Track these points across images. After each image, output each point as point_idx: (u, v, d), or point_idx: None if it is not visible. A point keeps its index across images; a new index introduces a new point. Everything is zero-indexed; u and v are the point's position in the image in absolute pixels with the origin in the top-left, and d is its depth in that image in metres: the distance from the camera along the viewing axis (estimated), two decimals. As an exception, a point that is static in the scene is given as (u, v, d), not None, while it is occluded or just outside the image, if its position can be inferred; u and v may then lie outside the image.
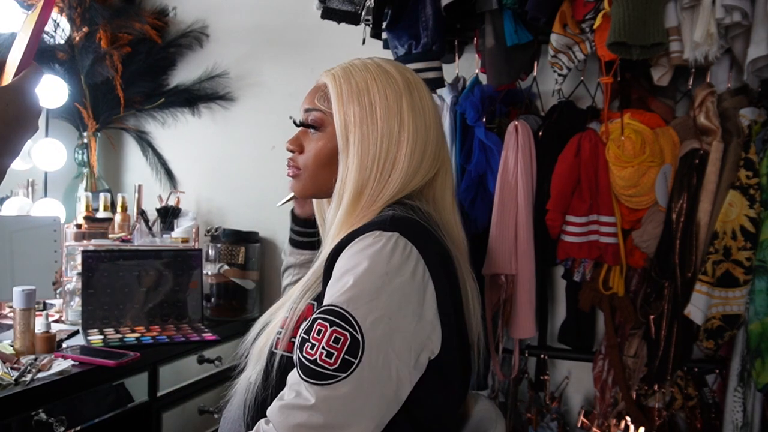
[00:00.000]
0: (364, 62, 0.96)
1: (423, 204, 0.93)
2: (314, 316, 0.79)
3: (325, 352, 0.75)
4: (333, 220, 0.92)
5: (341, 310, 0.77)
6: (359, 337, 0.75)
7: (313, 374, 0.75)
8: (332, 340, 0.75)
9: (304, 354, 0.77)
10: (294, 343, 0.83)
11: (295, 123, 1.03)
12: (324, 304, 0.79)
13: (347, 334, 0.75)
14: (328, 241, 0.91)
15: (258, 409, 0.86)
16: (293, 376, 0.79)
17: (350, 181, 0.90)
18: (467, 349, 0.92)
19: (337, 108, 0.92)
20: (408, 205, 0.91)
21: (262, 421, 0.79)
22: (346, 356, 0.75)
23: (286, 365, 0.83)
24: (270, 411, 0.78)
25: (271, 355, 0.87)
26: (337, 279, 0.81)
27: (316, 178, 0.96)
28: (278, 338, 0.87)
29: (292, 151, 1.00)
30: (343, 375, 0.74)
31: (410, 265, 0.81)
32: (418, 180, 0.92)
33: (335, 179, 0.92)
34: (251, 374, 0.89)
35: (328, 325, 0.76)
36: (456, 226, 0.97)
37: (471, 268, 0.96)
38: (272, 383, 0.85)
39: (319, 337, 0.76)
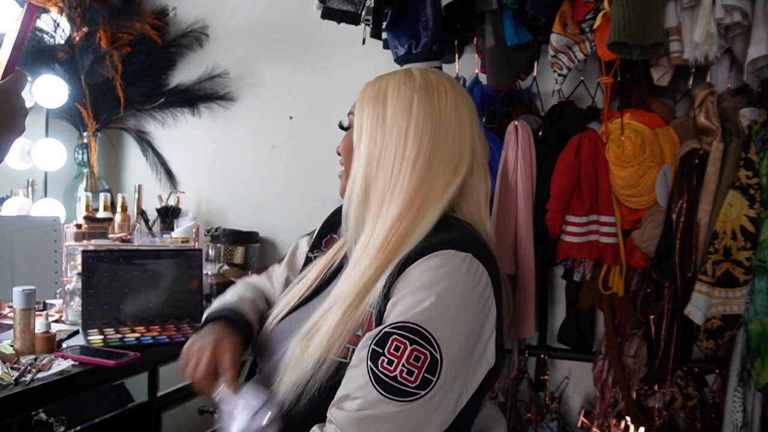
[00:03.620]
0: (400, 69, 1.00)
1: (464, 216, 0.95)
2: (387, 330, 0.80)
3: (405, 370, 0.77)
4: (347, 214, 0.95)
5: (422, 329, 0.79)
6: (438, 356, 0.78)
7: (393, 390, 0.77)
8: (413, 358, 0.77)
9: (380, 369, 0.78)
10: (349, 349, 0.84)
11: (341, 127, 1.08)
12: (399, 319, 0.80)
13: (427, 353, 0.78)
14: (351, 237, 0.94)
15: (308, 412, 0.85)
16: (362, 387, 0.78)
17: (358, 173, 0.93)
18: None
19: (357, 109, 0.96)
20: (463, 221, 0.93)
21: (317, 426, 0.81)
22: (425, 374, 0.77)
23: (341, 370, 0.84)
24: (341, 421, 0.78)
25: (329, 361, 0.85)
26: (410, 294, 0.82)
27: (348, 173, 0.99)
28: (332, 346, 0.86)
29: (338, 153, 1.04)
30: (423, 392, 0.77)
31: (481, 287, 0.84)
32: (455, 180, 0.93)
33: None
34: (290, 379, 0.87)
35: (407, 342, 0.78)
36: (492, 234, 1.00)
37: (505, 275, 0.97)
38: (322, 388, 0.84)
39: (398, 354, 0.78)
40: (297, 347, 0.88)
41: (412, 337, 0.78)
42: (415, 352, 0.78)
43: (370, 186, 0.93)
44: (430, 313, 0.80)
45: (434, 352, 0.78)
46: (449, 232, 0.89)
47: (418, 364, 0.77)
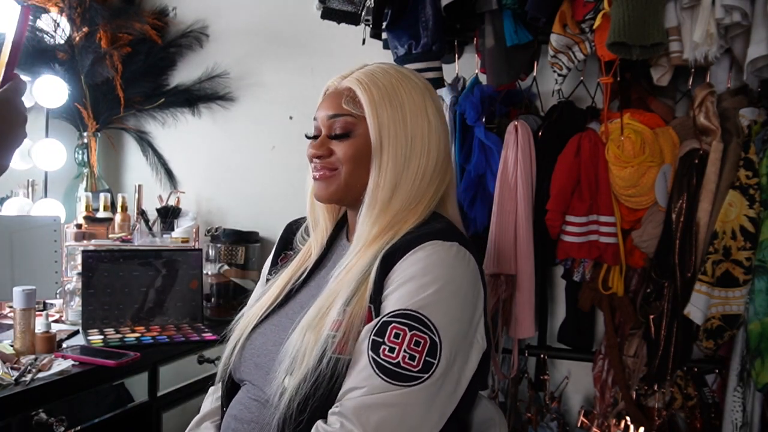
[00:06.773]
0: (382, 67, 0.98)
1: (445, 211, 0.99)
2: (385, 319, 0.82)
3: (407, 355, 0.79)
4: (365, 219, 0.94)
5: (419, 315, 0.81)
6: (437, 340, 0.80)
7: (397, 376, 0.79)
8: (413, 343, 0.80)
9: (382, 357, 0.80)
10: (348, 344, 0.84)
11: (307, 136, 1.02)
12: (395, 308, 0.82)
13: (426, 337, 0.80)
14: (365, 241, 0.93)
15: (316, 410, 0.83)
16: (365, 377, 0.80)
17: (385, 180, 0.93)
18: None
19: (370, 111, 0.93)
20: (445, 218, 0.97)
21: (320, 422, 0.81)
22: (427, 358, 0.80)
23: (347, 367, 0.84)
24: (347, 409, 0.79)
25: (334, 360, 0.83)
26: (403, 285, 0.84)
27: (351, 178, 0.96)
28: (333, 342, 0.84)
29: (319, 156, 0.98)
30: (426, 376, 0.79)
31: (470, 272, 0.88)
32: (446, 181, 0.97)
33: (365, 181, 0.94)
34: (291, 378, 0.85)
35: (407, 329, 0.81)
36: (462, 227, 1.02)
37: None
38: (336, 386, 0.83)
39: (398, 341, 0.80)
40: (304, 339, 0.86)
41: (411, 323, 0.81)
42: (414, 338, 0.80)
43: (397, 190, 0.93)
44: (426, 300, 0.82)
45: (433, 336, 0.80)
46: (431, 225, 0.92)
47: (419, 349, 0.79)
